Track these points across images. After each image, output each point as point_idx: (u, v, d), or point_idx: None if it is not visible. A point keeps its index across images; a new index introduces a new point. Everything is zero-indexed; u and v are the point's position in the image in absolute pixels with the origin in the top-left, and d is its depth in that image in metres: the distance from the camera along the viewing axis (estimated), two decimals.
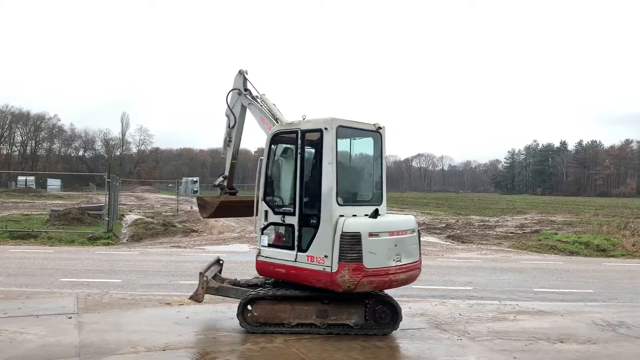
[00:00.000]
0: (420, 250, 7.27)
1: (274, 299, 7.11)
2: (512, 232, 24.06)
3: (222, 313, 8.28)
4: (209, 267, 7.98)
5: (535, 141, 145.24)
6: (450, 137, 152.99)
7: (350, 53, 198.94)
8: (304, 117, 7.16)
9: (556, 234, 22.28)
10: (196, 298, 7.58)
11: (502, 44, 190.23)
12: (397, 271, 6.81)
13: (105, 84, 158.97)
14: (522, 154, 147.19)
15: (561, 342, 7.15)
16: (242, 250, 17.22)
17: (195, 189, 77.70)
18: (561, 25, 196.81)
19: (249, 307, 7.13)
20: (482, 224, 28.37)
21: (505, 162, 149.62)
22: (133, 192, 77.64)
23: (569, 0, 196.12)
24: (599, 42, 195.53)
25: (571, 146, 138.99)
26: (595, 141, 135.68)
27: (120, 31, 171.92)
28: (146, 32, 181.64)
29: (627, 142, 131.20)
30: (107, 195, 21.27)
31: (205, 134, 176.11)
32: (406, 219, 7.29)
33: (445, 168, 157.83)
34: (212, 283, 7.60)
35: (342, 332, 7.07)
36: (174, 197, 42.56)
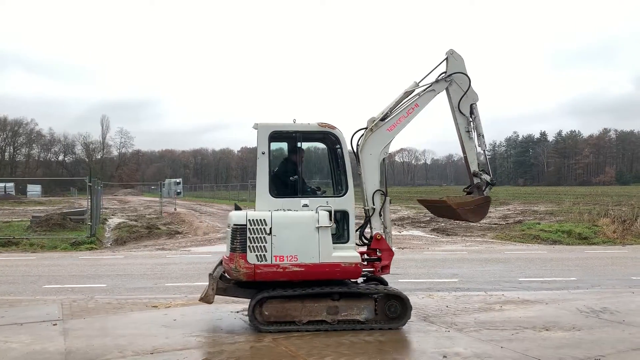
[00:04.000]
0: (233, 246, 6.99)
1: (285, 298, 7.12)
2: (495, 223, 24.31)
3: (211, 314, 8.24)
4: (215, 268, 7.90)
5: (515, 132, 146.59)
6: (432, 131, 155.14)
7: (340, 52, 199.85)
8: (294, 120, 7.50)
9: (539, 223, 22.55)
10: (206, 299, 7.45)
11: (477, 38, 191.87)
12: (225, 262, 7.28)
13: (87, 87, 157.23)
14: (503, 146, 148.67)
15: (547, 330, 7.25)
16: None
17: (178, 191, 77.05)
18: (535, 18, 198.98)
19: (260, 306, 7.10)
20: None
21: (487, 155, 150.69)
22: (115, 195, 76.94)
23: None
24: (574, 36, 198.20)
25: (551, 137, 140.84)
26: (574, 131, 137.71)
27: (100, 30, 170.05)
28: (134, 31, 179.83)
29: (606, 131, 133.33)
30: (89, 200, 21.03)
31: (187, 134, 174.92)
32: (231, 214, 7.26)
33: (428, 162, 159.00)
34: (220, 284, 7.54)
35: (352, 328, 7.14)
36: (158, 199, 42.22)
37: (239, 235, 6.91)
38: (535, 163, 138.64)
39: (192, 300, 9.29)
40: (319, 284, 7.12)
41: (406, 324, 7.32)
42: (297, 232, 6.99)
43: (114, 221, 28.00)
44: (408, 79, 8.17)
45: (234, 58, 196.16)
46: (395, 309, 7.24)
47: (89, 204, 20.96)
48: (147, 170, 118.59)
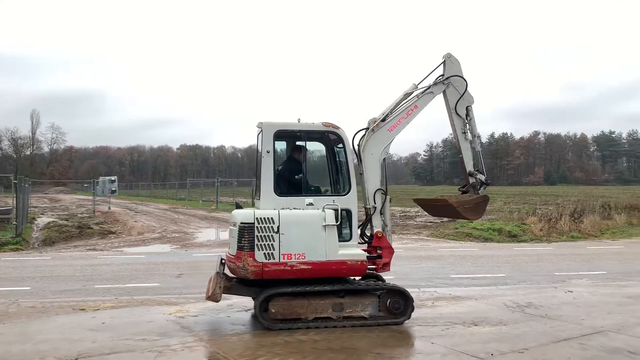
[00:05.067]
0: (241, 245, 7.01)
1: (291, 295, 7.16)
2: (430, 222, 24.93)
3: (140, 316, 8.00)
4: (218, 267, 7.75)
5: (451, 134, 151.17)
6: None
7: (339, 52, 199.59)
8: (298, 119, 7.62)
9: (472, 221, 23.29)
10: (214, 298, 7.34)
11: (408, 44, 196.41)
12: (229, 260, 7.35)
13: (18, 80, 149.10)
14: (440, 147, 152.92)
15: (475, 325, 7.49)
16: (163, 250, 16.71)
17: (113, 189, 74.34)
18: (472, 25, 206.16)
19: (267, 304, 7.12)
20: (403, 214, 29.21)
21: (425, 155, 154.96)
22: (46, 193, 73.45)
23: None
24: (507, 45, 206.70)
25: (484, 138, 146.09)
26: (506, 133, 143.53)
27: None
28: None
29: (536, 134, 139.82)
30: (15, 198, 19.98)
31: (126, 131, 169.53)
32: (236, 213, 7.36)
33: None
34: (225, 282, 7.47)
35: (358, 324, 7.22)
36: (91, 197, 40.59)
37: (247, 234, 6.95)
38: None
39: (122, 302, 9.00)
40: (322, 281, 7.20)
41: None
42: (304, 231, 7.08)
43: (42, 220, 26.70)
44: (408, 79, 8.28)
45: (183, 52, 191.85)
46: (398, 305, 7.37)
47: (15, 202, 19.90)
48: (81, 168, 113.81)
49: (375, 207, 7.70)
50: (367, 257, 7.52)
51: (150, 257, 14.96)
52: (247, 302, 8.93)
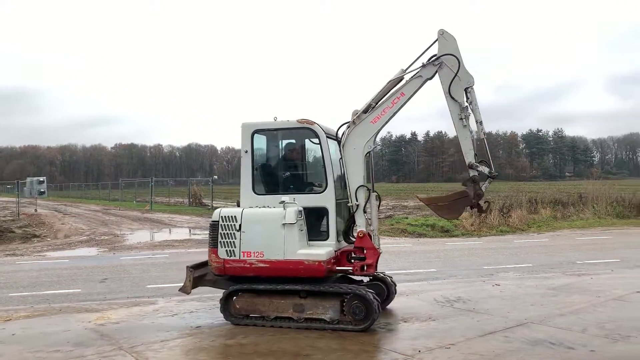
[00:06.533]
0: (212, 242, 7.21)
1: (255, 293, 7.21)
2: None
3: (57, 325, 7.51)
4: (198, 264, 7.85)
5: (389, 132, 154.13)
6: None
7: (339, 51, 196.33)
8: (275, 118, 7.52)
9: (407, 217, 23.70)
10: (184, 290, 7.60)
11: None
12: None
13: None
14: (379, 145, 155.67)
15: (405, 321, 7.50)
16: (89, 254, 15.90)
17: (42, 190, 70.82)
18: (417, 25, 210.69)
19: (232, 299, 7.27)
20: None
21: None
22: None
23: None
24: None
25: (420, 137, 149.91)
26: (441, 132, 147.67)
27: None
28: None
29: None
30: None
31: (59, 130, 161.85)
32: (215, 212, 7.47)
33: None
34: (210, 276, 7.58)
35: (319, 327, 6.96)
36: (15, 199, 38.34)
37: (212, 231, 7.23)
38: (407, 161, 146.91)
39: (38, 311, 8.43)
40: (290, 280, 7.04)
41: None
42: (264, 229, 7.05)
43: None
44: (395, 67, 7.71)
45: (121, 48, 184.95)
46: (360, 310, 6.90)
47: None
48: (6, 168, 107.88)
49: (357, 205, 7.32)
50: (353, 258, 7.29)
51: (75, 261, 14.19)
52: (174, 307, 8.62)
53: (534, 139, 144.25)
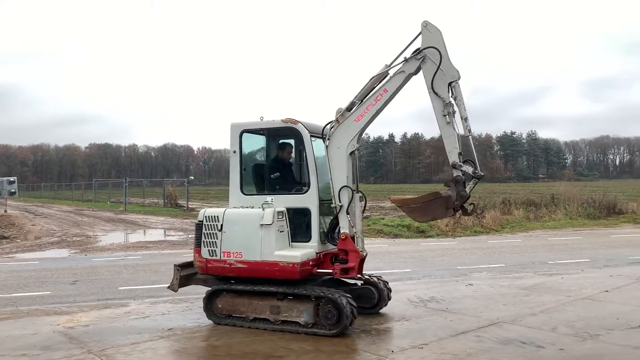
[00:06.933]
0: (197, 241, 7.36)
1: (235, 293, 7.30)
2: None
3: (24, 329, 7.34)
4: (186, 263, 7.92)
5: (367, 134, 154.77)
6: None
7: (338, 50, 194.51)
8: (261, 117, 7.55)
9: (383, 218, 23.79)
10: (172, 288, 7.78)
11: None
12: None
13: None
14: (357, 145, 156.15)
15: (379, 322, 7.51)
16: (60, 256, 15.57)
17: (12, 190, 69.51)
18: (396, 29, 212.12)
19: (215, 299, 7.36)
20: None
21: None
22: None
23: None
24: None
25: (398, 138, 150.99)
26: (418, 134, 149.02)
27: None
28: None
29: None
30: None
31: (32, 128, 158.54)
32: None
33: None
34: (201, 275, 7.61)
35: (293, 329, 6.90)
36: None
37: (197, 231, 7.34)
38: (384, 162, 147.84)
39: (4, 314, 8.24)
40: (268, 282, 7.04)
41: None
42: (243, 229, 7.09)
43: None
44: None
45: (99, 48, 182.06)
46: (332, 314, 6.73)
47: None
48: None
49: (341, 206, 7.12)
50: (336, 260, 7.14)
51: (44, 263, 13.89)
52: (146, 309, 8.50)
53: (508, 141, 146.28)
